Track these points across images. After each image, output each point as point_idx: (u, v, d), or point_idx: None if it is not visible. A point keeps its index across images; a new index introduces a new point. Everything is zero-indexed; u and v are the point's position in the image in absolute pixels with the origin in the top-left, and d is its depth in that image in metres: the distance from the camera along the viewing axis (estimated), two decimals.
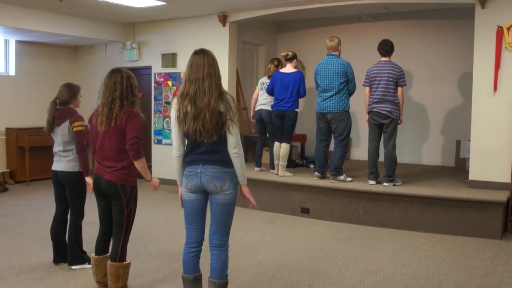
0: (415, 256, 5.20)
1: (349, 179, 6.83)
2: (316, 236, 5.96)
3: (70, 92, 4.71)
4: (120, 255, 3.84)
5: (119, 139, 3.77)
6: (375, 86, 6.55)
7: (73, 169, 4.62)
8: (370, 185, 6.58)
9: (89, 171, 4.59)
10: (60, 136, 4.63)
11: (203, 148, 3.31)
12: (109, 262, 3.86)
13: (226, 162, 3.33)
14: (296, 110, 7.23)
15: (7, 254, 5.14)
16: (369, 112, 6.66)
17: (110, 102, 3.75)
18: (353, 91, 6.89)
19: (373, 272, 4.70)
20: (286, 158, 7.30)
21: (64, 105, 4.67)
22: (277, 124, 7.37)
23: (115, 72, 3.84)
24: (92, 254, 4.10)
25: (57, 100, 4.68)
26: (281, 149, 7.24)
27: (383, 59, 6.65)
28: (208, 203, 3.45)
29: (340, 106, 6.74)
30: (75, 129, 4.55)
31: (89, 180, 4.52)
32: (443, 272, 4.69)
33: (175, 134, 3.41)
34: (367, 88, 6.70)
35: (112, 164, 3.80)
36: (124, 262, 3.87)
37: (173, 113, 3.38)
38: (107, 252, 4.07)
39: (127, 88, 3.79)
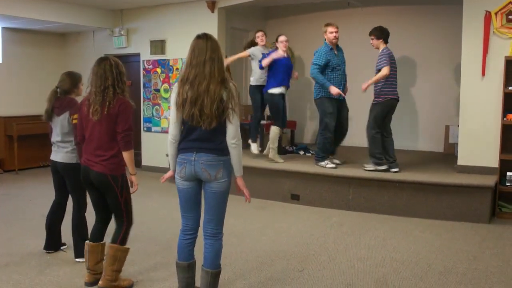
0: (404, 241, 5.25)
1: (330, 165, 6.84)
2: (306, 223, 5.99)
3: (72, 81, 4.61)
4: (121, 239, 3.87)
5: (110, 127, 3.75)
6: (396, 72, 6.51)
7: (71, 161, 4.54)
8: (360, 171, 6.61)
9: None
10: (60, 127, 4.54)
11: (198, 135, 3.29)
12: (109, 244, 3.87)
13: (220, 150, 3.31)
14: (269, 91, 7.22)
15: None
16: (391, 99, 6.49)
17: (102, 90, 3.72)
18: (312, 77, 6.78)
19: (363, 257, 4.74)
20: (273, 141, 7.31)
21: (65, 94, 4.58)
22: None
23: (104, 60, 3.82)
24: (86, 241, 4.09)
25: (58, 90, 4.58)
26: (270, 132, 7.34)
27: (385, 46, 6.58)
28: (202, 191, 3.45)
29: (314, 94, 6.88)
30: (74, 121, 4.44)
31: None
32: (432, 257, 4.74)
33: (173, 119, 3.37)
34: (388, 68, 6.36)
35: (102, 153, 3.78)
36: (124, 246, 3.89)
37: (173, 97, 3.34)
38: (102, 240, 4.09)
39: (117, 75, 3.78)
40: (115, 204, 3.86)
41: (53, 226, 4.79)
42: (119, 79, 3.79)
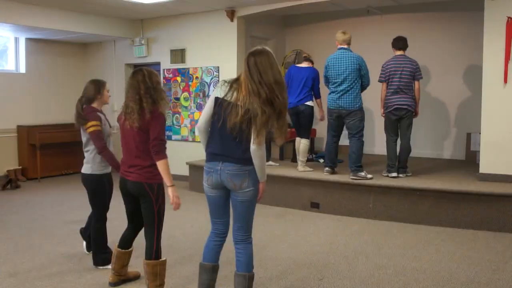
0: (425, 250, 5.19)
1: (369, 176, 6.67)
2: (326, 231, 5.96)
3: (95, 87, 4.54)
4: (155, 253, 3.85)
5: (143, 137, 3.75)
6: (395, 80, 6.56)
7: (86, 171, 4.52)
8: (380, 179, 6.59)
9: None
10: (82, 136, 4.56)
11: (226, 143, 3.31)
12: (144, 261, 3.85)
13: (246, 160, 3.31)
14: (309, 103, 7.19)
15: (19, 250, 5.18)
16: (388, 107, 6.66)
17: (138, 99, 3.73)
18: (367, 86, 6.72)
19: (383, 266, 4.70)
20: (304, 154, 7.32)
21: (89, 102, 4.53)
22: (294, 121, 7.42)
23: (138, 71, 3.85)
24: (115, 244, 4.15)
25: (83, 99, 4.53)
26: (300, 144, 7.31)
27: (398, 53, 6.65)
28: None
29: (356, 103, 6.57)
30: (88, 130, 4.41)
31: None
32: (453, 266, 4.68)
33: (208, 111, 3.38)
34: (385, 84, 6.69)
35: (137, 163, 3.78)
36: (160, 260, 3.87)
37: (219, 93, 3.31)
38: (130, 248, 4.15)
39: (151, 85, 3.78)
40: (148, 211, 3.83)
41: (87, 229, 4.87)
42: (153, 88, 3.78)
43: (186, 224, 6.25)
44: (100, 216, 4.60)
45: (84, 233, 4.97)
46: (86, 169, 4.54)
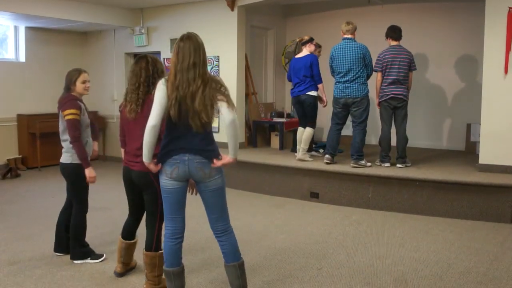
0: (424, 240, 5.21)
1: (369, 164, 6.80)
2: (325, 221, 5.98)
3: (68, 76, 4.52)
4: (155, 245, 3.85)
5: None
6: (393, 71, 6.56)
7: (66, 161, 4.44)
8: (380, 169, 6.59)
9: (88, 162, 4.37)
10: (60, 124, 4.47)
11: (189, 138, 3.26)
12: (144, 251, 3.88)
13: (209, 151, 3.30)
14: (311, 93, 7.15)
15: (19, 239, 5.20)
16: (383, 96, 6.67)
17: (137, 88, 3.71)
18: (371, 75, 6.81)
19: (382, 256, 4.71)
20: (307, 142, 7.28)
21: (67, 91, 4.50)
22: (297, 110, 7.42)
23: (141, 58, 3.82)
24: (119, 237, 4.14)
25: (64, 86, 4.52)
26: (305, 132, 7.25)
27: (394, 43, 6.65)
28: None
29: (362, 90, 6.65)
30: (66, 117, 4.30)
31: (88, 172, 4.35)
32: (452, 256, 4.69)
33: (160, 109, 3.21)
34: (380, 73, 6.69)
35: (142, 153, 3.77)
36: (160, 251, 3.86)
37: (161, 96, 3.22)
38: (134, 238, 4.15)
39: (153, 73, 3.76)
40: (152, 202, 3.82)
41: (57, 228, 4.70)
42: (156, 76, 3.75)
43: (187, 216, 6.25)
44: (82, 208, 4.53)
45: (58, 229, 4.71)
46: (65, 158, 4.44)
